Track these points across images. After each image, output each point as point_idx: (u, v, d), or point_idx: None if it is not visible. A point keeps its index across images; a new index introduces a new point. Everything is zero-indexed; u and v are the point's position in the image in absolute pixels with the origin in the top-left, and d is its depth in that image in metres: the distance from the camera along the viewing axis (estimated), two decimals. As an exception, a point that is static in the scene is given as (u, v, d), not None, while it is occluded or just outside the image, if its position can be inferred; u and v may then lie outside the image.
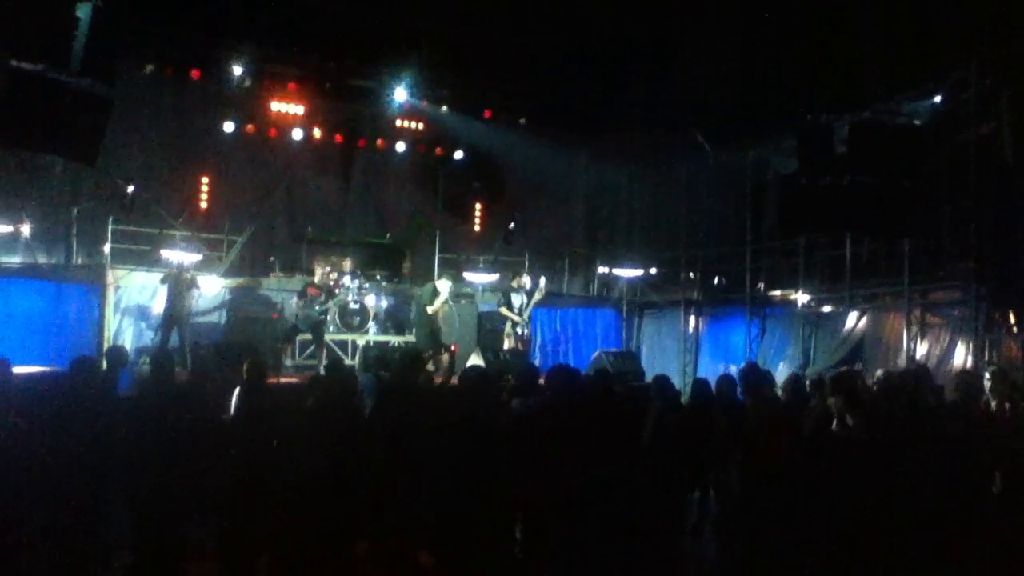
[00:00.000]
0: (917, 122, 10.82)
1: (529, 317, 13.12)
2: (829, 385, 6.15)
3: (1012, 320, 10.44)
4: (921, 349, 11.52)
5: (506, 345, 12.90)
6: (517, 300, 13.03)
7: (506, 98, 15.81)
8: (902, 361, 11.38)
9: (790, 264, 14.16)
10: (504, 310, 13.08)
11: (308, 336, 12.65)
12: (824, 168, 9.74)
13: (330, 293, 12.48)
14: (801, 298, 13.83)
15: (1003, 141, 10.42)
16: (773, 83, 12.44)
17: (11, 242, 12.87)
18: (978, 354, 10.38)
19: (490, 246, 16.65)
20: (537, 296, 13.05)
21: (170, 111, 14.46)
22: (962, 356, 10.77)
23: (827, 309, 13.68)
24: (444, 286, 12.57)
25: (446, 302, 12.66)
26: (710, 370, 14.51)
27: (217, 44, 13.75)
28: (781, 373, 12.82)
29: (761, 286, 15.11)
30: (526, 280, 13.37)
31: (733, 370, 12.40)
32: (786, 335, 14.49)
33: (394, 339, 13.67)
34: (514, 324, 12.95)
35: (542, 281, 13.22)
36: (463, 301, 14.46)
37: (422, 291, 12.76)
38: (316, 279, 12.45)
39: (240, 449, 5.72)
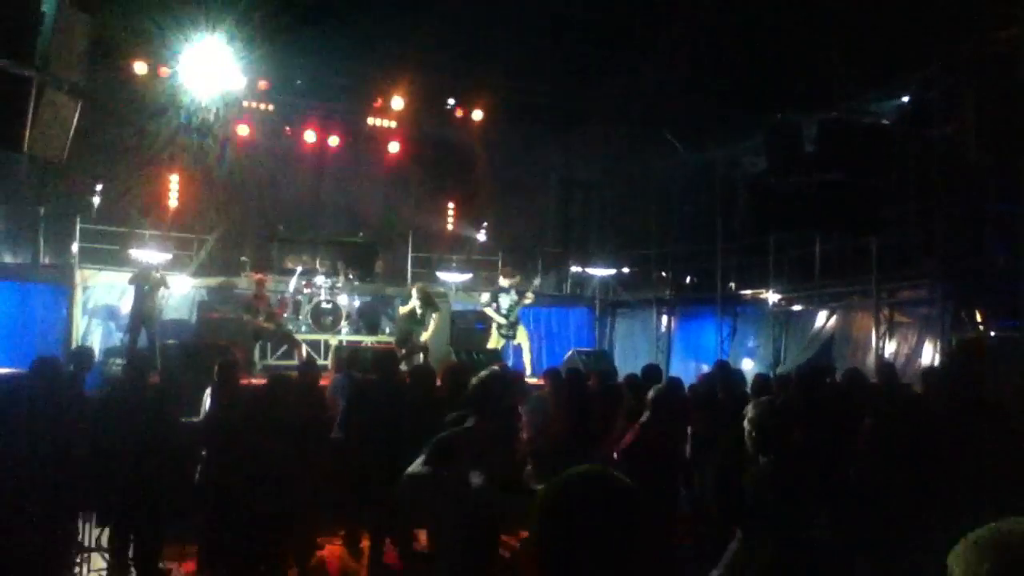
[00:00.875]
0: (885, 121, 10.96)
1: (516, 319, 12.56)
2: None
3: (979, 318, 10.59)
4: (890, 347, 11.66)
5: (491, 344, 12.53)
6: (505, 300, 12.42)
7: (478, 95, 15.78)
8: (871, 359, 11.51)
9: (760, 263, 14.27)
10: (489, 310, 12.55)
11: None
12: (793, 166, 9.83)
13: (269, 302, 12.40)
14: (771, 297, 13.96)
15: (968, 140, 10.57)
16: (742, 82, 12.53)
17: (-24, 242, 12.70)
18: (945, 352, 10.52)
19: (463, 245, 16.64)
20: (526, 300, 12.54)
21: (138, 108, 14.28)
22: (930, 354, 10.92)
23: (797, 308, 13.81)
24: (414, 292, 12.51)
25: (414, 309, 12.44)
26: (682, 368, 14.62)
27: (188, 40, 13.62)
28: (749, 372, 12.95)
29: (732, 285, 15.23)
30: (517, 279, 12.85)
31: (704, 369, 12.53)
32: (756, 333, 14.63)
33: (367, 339, 13.61)
34: (499, 325, 12.42)
35: (534, 286, 12.90)
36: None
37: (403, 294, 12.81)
38: (256, 290, 12.34)
39: (212, 449, 5.69)
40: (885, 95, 11.63)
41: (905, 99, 11.74)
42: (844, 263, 12.79)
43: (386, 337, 14.15)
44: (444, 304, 14.36)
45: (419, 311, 12.26)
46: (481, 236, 17.27)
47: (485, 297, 13.09)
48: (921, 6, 10.17)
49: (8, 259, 13.13)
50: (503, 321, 12.37)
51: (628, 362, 15.26)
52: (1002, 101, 8.71)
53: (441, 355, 12.34)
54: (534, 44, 13.47)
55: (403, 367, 10.32)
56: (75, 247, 12.99)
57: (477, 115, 15.97)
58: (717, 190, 15.23)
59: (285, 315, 12.65)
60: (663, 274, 16.74)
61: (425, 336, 12.37)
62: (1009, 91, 8.68)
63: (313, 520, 6.63)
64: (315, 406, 7.05)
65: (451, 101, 15.85)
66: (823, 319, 13.19)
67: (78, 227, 12.93)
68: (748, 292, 14.76)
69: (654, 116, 14.90)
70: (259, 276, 12.70)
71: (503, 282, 12.73)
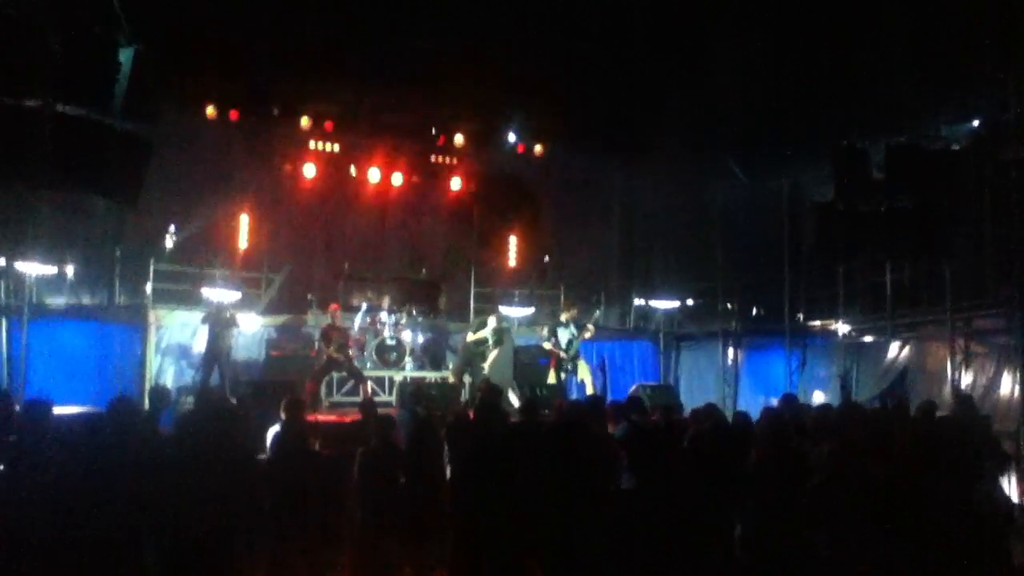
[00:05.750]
0: (956, 146, 10.68)
1: (576, 353, 12.53)
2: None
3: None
4: (966, 379, 11.25)
5: (552, 380, 12.42)
6: (564, 335, 12.40)
7: (539, 128, 15.87)
8: (947, 391, 11.13)
9: (830, 293, 13.96)
10: (549, 345, 12.53)
11: (344, 373, 12.74)
12: (861, 193, 9.67)
13: (344, 334, 12.58)
14: (841, 328, 13.63)
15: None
16: (807, 107, 12.37)
17: (56, 283, 13.07)
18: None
19: (526, 279, 16.65)
20: (586, 334, 12.49)
21: (210, 151, 14.67)
22: (1008, 385, 10.50)
23: (869, 339, 13.45)
24: (492, 321, 12.78)
25: (486, 339, 12.60)
26: (751, 402, 14.32)
27: (255, 84, 14.04)
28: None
29: (801, 316, 14.91)
30: (575, 312, 12.91)
31: (774, 402, 12.25)
32: (827, 365, 14.28)
33: (430, 374, 13.67)
34: (560, 360, 12.33)
35: (594, 317, 12.87)
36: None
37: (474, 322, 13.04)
38: (331, 320, 12.59)
39: (278, 486, 5.73)
40: (956, 119, 11.34)
41: (976, 123, 11.43)
42: (917, 292, 12.43)
43: (449, 373, 14.20)
44: (508, 339, 14.37)
45: (490, 341, 12.34)
46: (543, 270, 17.26)
47: (544, 332, 13.06)
48: (991, 26, 9.93)
49: (86, 300, 13.53)
50: (564, 355, 12.29)
51: (695, 396, 15.02)
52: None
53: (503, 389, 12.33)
54: (594, 73, 13.52)
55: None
56: (149, 287, 13.34)
57: (538, 148, 16.06)
58: (783, 218, 14.98)
59: (352, 350, 12.78)
60: (728, 306, 16.47)
61: (485, 368, 12.40)
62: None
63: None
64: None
65: (512, 136, 15.99)
66: (896, 350, 12.83)
67: (152, 268, 13.28)
68: (817, 323, 14.44)
69: (717, 144, 14.78)
70: (335, 306, 12.92)
71: (562, 317, 12.72)
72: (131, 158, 8.36)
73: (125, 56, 8.18)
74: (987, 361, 11.13)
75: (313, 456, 5.90)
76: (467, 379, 12.93)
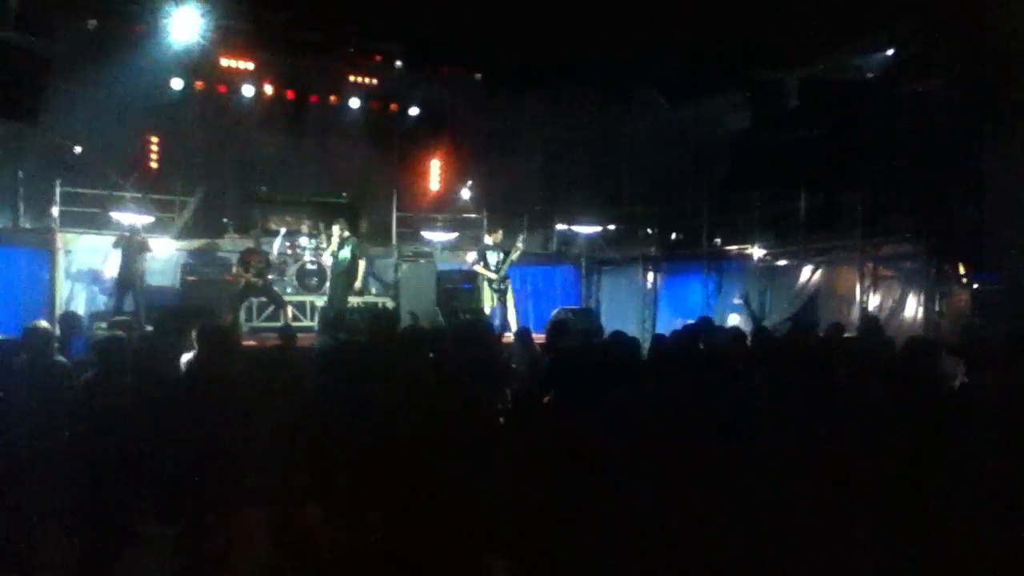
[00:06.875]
0: (868, 75, 10.92)
1: (505, 275, 12.47)
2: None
3: (961, 271, 10.68)
4: (874, 302, 11.75)
5: (485, 303, 12.47)
6: (493, 257, 12.38)
7: (461, 53, 15.58)
8: (855, 314, 11.60)
9: (745, 219, 14.29)
10: (480, 267, 12.48)
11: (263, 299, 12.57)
12: (775, 123, 9.85)
13: (264, 258, 12.31)
14: (756, 252, 14.00)
15: (947, 95, 10.60)
16: (726, 37, 12.43)
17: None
18: (929, 306, 10.62)
19: (448, 204, 16.55)
20: (514, 255, 12.42)
21: (115, 68, 13.98)
22: (913, 308, 11.01)
23: (782, 263, 13.86)
24: (335, 230, 12.34)
25: (334, 253, 12.29)
26: (669, 325, 14.67)
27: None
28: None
29: (718, 241, 15.25)
30: (500, 235, 12.80)
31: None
32: (742, 289, 14.67)
33: (353, 300, 13.58)
34: (489, 281, 12.35)
35: (519, 238, 12.88)
36: (421, 260, 14.39)
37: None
38: (253, 244, 12.30)
39: (192, 420, 5.61)
40: (869, 49, 11.56)
41: (890, 52, 11.68)
42: (829, 219, 12.82)
43: (372, 297, 14.14)
44: (430, 264, 14.35)
45: (338, 256, 12.14)
46: (466, 195, 17.17)
47: (472, 256, 13.04)
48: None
49: (-13, 224, 12.98)
50: (494, 276, 12.35)
51: (615, 319, 15.33)
52: (981, 57, 8.68)
53: (427, 316, 12.34)
54: (518, 2, 13.28)
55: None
56: (55, 210, 12.85)
57: (461, 73, 15.79)
58: (702, 146, 15.16)
59: (271, 276, 12.59)
60: (648, 231, 16.73)
61: (357, 284, 12.34)
62: (988, 47, 8.64)
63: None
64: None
65: (433, 60, 15.66)
66: (807, 274, 13.25)
67: (58, 190, 12.76)
68: (733, 248, 14.79)
69: (638, 73, 14.77)
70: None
71: (488, 240, 12.71)
72: (29, 74, 7.95)
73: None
74: (893, 285, 11.61)
75: (231, 387, 5.74)
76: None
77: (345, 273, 12.18)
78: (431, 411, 5.11)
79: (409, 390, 5.30)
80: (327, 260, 12.63)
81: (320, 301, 12.95)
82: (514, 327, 12.19)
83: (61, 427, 5.22)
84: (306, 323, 12.80)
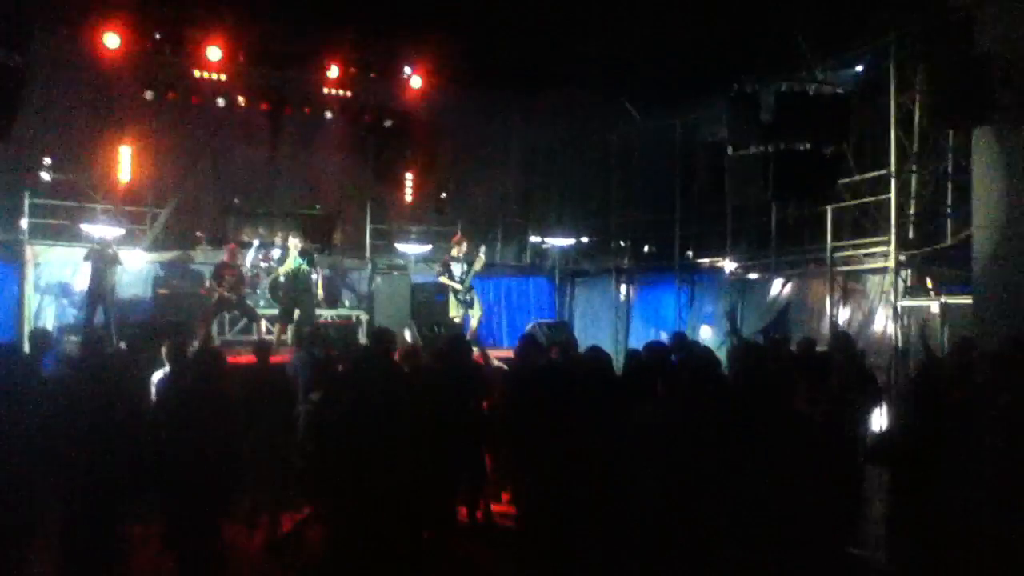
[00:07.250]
0: (840, 90, 11.07)
1: (470, 285, 12.35)
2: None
3: (930, 285, 10.85)
4: (844, 315, 11.89)
5: (452, 314, 12.28)
6: (457, 269, 12.24)
7: (435, 62, 15.56)
8: (825, 327, 11.74)
9: (718, 231, 14.41)
10: (444, 279, 12.30)
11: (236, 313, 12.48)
12: (751, 135, 9.95)
13: (238, 273, 12.22)
14: (728, 265, 14.13)
15: (919, 109, 10.81)
16: (701, 50, 12.57)
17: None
18: (898, 319, 10.77)
19: (423, 216, 16.54)
20: (477, 265, 12.33)
21: (86, 79, 13.82)
22: (882, 322, 11.16)
23: (754, 276, 14.00)
24: (292, 242, 12.29)
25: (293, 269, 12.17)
26: (642, 337, 14.76)
27: (136, 8, 13.25)
28: (708, 340, 13.18)
29: (690, 253, 15.37)
30: (464, 246, 12.58)
31: (663, 337, 12.67)
32: (715, 301, 14.81)
33: (326, 313, 13.52)
34: (455, 292, 12.20)
35: (481, 250, 12.80)
36: (395, 273, 14.35)
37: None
38: (226, 258, 12.16)
39: (168, 433, 5.58)
40: (841, 64, 11.75)
41: (859, 68, 11.88)
42: (800, 231, 12.98)
43: (346, 310, 14.09)
44: (404, 276, 14.31)
45: (292, 269, 12.05)
46: (441, 207, 17.15)
47: (437, 268, 12.93)
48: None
49: (-45, 235, 12.77)
50: (459, 287, 12.27)
51: (588, 332, 15.41)
52: (954, 72, 8.84)
53: (401, 328, 12.30)
54: (494, 8, 13.31)
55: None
56: (24, 222, 12.67)
57: (435, 83, 15.75)
58: (676, 159, 15.29)
59: (245, 289, 12.50)
60: (622, 243, 16.83)
61: (319, 296, 12.35)
62: (962, 62, 8.81)
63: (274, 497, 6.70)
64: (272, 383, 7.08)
65: (407, 69, 15.60)
66: (779, 287, 13.39)
67: (27, 202, 12.60)
68: (706, 260, 14.91)
69: (614, 84, 14.87)
70: (233, 245, 12.54)
71: (452, 251, 12.60)
72: (2, 87, 7.86)
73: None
74: (863, 299, 11.76)
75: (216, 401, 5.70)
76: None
77: (306, 291, 12.11)
78: (417, 423, 5.24)
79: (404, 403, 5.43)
80: (283, 271, 12.47)
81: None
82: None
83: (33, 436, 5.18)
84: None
